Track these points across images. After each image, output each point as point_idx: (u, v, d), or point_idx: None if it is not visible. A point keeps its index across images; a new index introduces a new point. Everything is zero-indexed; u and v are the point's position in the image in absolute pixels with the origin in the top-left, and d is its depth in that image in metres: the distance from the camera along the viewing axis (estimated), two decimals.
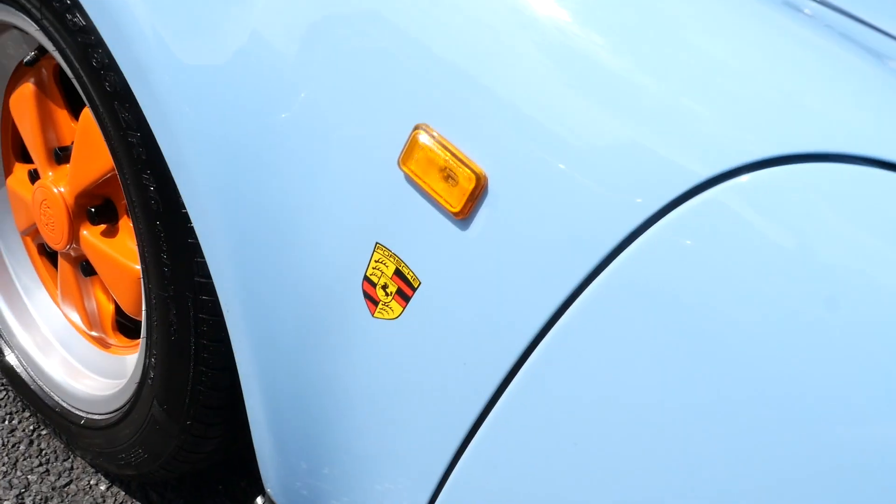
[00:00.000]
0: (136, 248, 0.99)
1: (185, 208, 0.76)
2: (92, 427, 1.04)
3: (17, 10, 0.88)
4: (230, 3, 0.69)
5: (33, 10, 0.84)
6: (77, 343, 1.13)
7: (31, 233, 1.17)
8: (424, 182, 0.61)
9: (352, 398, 0.72)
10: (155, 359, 0.86)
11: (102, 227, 1.02)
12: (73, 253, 1.07)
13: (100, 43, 0.77)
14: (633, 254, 0.55)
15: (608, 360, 0.56)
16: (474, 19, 0.60)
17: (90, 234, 1.02)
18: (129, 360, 1.04)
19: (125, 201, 1.00)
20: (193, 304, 0.80)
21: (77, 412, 1.06)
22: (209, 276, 0.78)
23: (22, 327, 1.15)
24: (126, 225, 1.00)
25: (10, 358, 1.14)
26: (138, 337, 1.11)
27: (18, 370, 1.14)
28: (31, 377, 1.11)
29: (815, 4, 0.59)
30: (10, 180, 1.16)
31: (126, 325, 1.12)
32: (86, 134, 0.95)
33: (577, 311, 0.57)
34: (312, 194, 0.67)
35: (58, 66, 1.03)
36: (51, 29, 0.82)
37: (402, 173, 0.63)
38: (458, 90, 0.60)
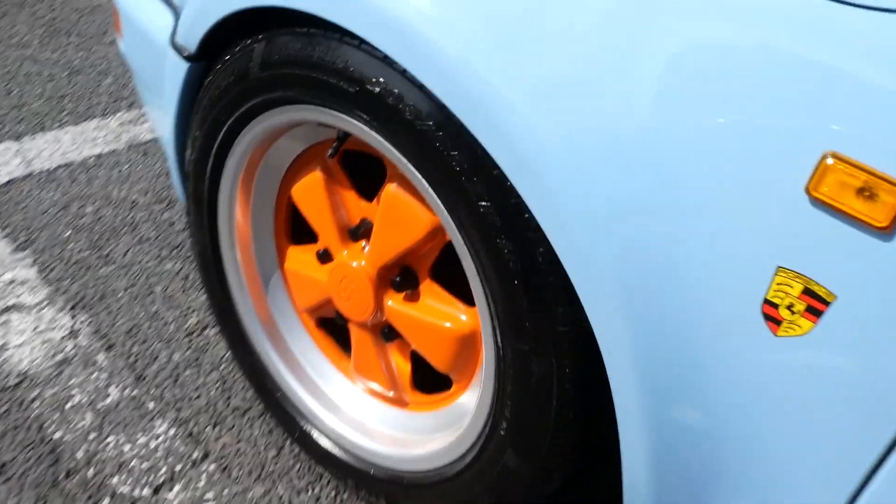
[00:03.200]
0: (441, 308, 1.06)
1: (545, 266, 0.82)
2: (420, 484, 1.10)
3: (347, 115, 0.94)
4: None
5: (363, 116, 0.91)
6: (378, 408, 1.20)
7: (312, 309, 1.25)
8: (840, 203, 0.65)
9: (754, 421, 0.75)
10: (509, 409, 0.92)
11: (403, 294, 1.09)
12: (369, 323, 1.14)
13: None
14: None
15: None
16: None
17: (395, 303, 1.09)
18: (447, 413, 1.10)
19: (424, 268, 1.07)
20: (556, 354, 0.85)
21: (402, 471, 1.12)
22: (570, 323, 0.83)
23: (325, 408, 1.23)
24: (429, 288, 1.07)
25: (324, 442, 1.22)
26: (433, 391, 1.17)
27: (335, 451, 1.21)
28: (351, 453, 1.19)
29: None
30: (288, 264, 1.25)
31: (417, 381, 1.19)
32: (390, 211, 1.03)
33: None
34: (703, 231, 0.72)
35: (344, 152, 1.11)
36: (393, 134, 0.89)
37: (807, 199, 0.66)
38: (864, 111, 0.63)
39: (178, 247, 1.80)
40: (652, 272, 0.75)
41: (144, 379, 1.46)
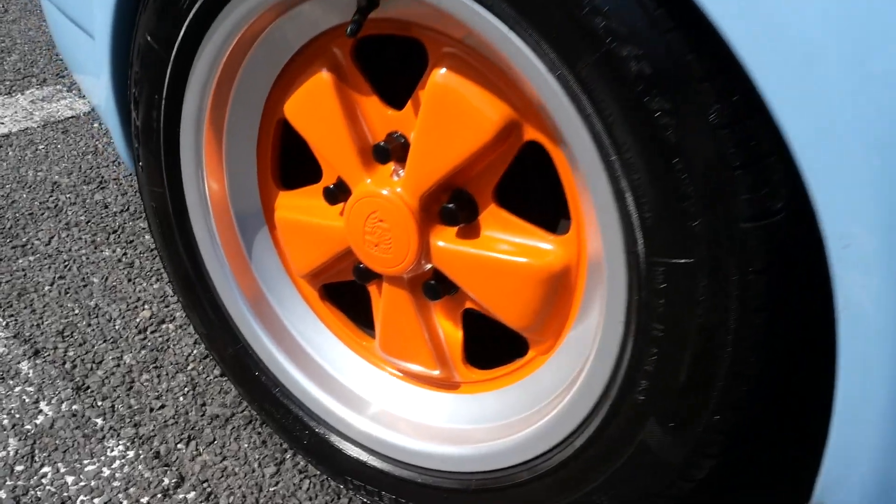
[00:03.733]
0: (515, 241, 0.77)
1: (723, 130, 0.54)
2: (497, 487, 0.80)
3: None
4: None
5: None
6: (420, 396, 0.90)
7: (316, 273, 0.94)
8: None
9: None
10: (654, 361, 0.63)
11: (456, 228, 0.80)
12: (409, 275, 0.84)
13: None
14: None
15: None
16: None
17: (447, 241, 0.79)
18: (527, 387, 0.81)
19: (486, 189, 0.78)
20: (738, 266, 0.57)
21: (466, 473, 0.82)
22: (761, 216, 0.56)
23: (343, 405, 0.92)
24: (493, 216, 0.78)
25: (347, 448, 0.92)
26: (488, 367, 0.88)
27: (363, 458, 0.90)
28: (389, 459, 0.88)
29: None
30: (280, 214, 0.94)
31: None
32: (438, 109, 0.74)
33: None
34: None
35: (355, 43, 0.81)
36: None
37: None
38: None
39: (116, 231, 1.45)
40: None
41: (87, 389, 1.12)
